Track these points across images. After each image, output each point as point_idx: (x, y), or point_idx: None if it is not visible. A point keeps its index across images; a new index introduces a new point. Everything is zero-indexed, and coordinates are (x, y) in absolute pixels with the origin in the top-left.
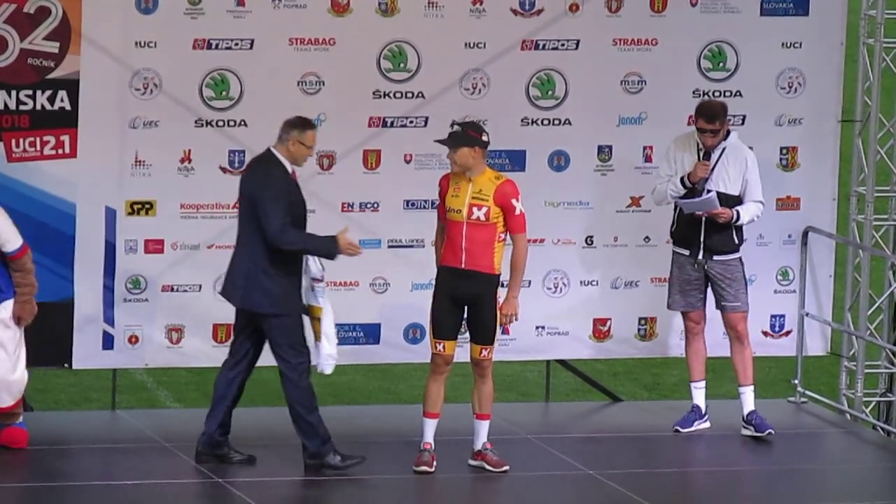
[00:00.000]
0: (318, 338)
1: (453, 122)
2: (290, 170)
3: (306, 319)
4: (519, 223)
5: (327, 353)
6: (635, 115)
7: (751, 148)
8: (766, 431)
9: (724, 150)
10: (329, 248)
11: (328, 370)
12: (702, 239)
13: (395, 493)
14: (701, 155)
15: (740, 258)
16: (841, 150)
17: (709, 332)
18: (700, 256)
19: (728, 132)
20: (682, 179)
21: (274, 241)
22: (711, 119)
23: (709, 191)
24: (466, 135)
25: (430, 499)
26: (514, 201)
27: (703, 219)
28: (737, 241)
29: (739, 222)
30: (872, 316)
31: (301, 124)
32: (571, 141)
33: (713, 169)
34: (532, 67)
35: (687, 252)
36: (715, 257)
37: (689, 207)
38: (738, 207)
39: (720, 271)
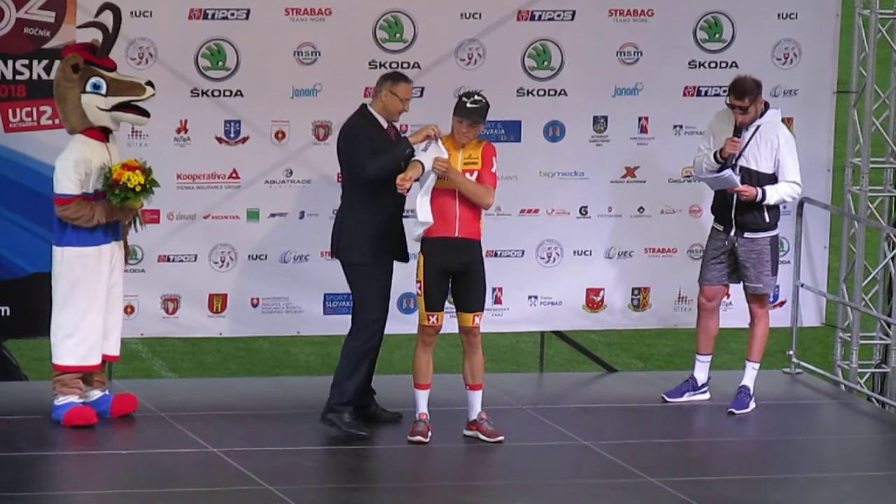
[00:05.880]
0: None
1: (472, 96)
2: (384, 125)
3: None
4: (492, 178)
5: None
6: (631, 85)
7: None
8: (729, 409)
9: (758, 127)
10: (404, 147)
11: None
12: (733, 215)
13: (390, 463)
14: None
15: (772, 238)
16: (836, 121)
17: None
18: (732, 233)
19: (766, 109)
20: (714, 155)
21: (366, 178)
22: (741, 95)
23: (729, 167)
24: (488, 108)
25: (425, 469)
26: (493, 159)
27: (734, 195)
28: (767, 220)
29: (766, 201)
30: (867, 287)
31: (394, 76)
32: (567, 111)
33: (746, 146)
34: (528, 38)
35: (721, 227)
36: (746, 234)
37: (708, 183)
38: (767, 186)
39: (747, 249)
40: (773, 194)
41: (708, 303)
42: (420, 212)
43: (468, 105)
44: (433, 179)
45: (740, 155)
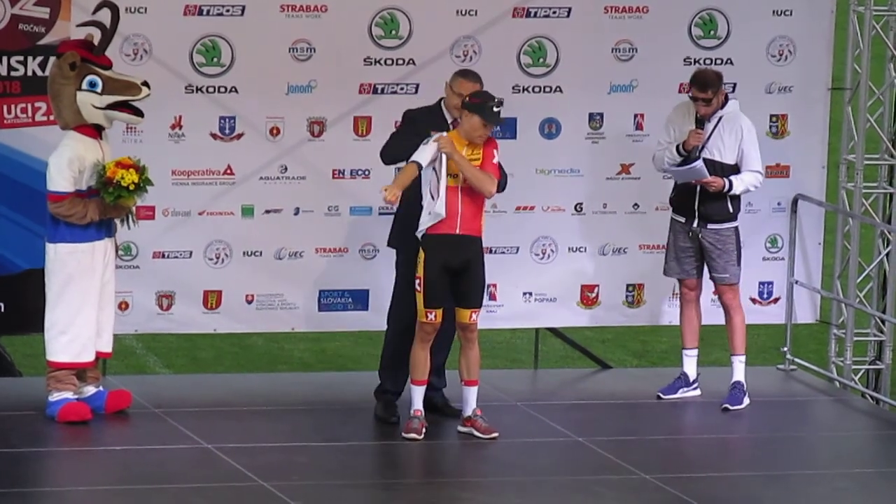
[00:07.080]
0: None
1: (493, 99)
2: (449, 118)
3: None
4: (494, 169)
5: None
6: (626, 82)
7: None
8: (723, 406)
9: (720, 118)
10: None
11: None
12: (696, 207)
13: (384, 459)
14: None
15: (735, 228)
16: (831, 117)
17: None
18: (695, 224)
19: (727, 100)
20: (677, 148)
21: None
22: (703, 87)
23: (696, 159)
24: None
25: (418, 465)
26: (494, 151)
27: (698, 187)
28: (731, 211)
29: (732, 192)
30: (862, 284)
31: (459, 72)
32: (562, 108)
33: (709, 137)
34: (523, 35)
35: (683, 219)
36: (709, 226)
37: (677, 175)
38: (732, 177)
39: (712, 241)
40: (738, 184)
41: (690, 292)
42: (438, 204)
43: (495, 109)
44: (444, 165)
45: (703, 147)
